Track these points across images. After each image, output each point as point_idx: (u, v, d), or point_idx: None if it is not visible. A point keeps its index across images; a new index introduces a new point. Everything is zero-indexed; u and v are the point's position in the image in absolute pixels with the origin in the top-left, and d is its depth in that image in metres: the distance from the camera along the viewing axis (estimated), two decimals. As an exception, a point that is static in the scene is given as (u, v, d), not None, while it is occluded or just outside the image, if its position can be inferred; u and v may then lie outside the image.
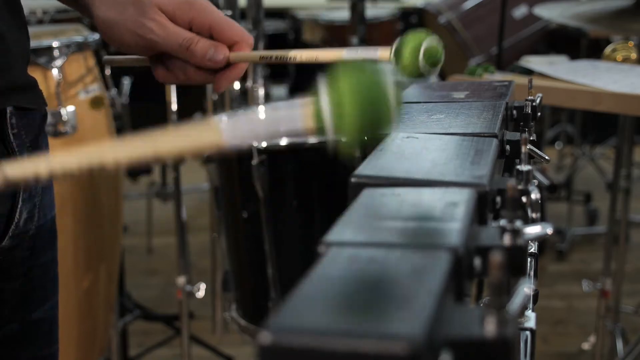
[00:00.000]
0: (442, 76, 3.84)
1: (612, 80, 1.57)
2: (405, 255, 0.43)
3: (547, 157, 0.76)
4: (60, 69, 1.74)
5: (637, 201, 3.38)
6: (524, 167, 0.63)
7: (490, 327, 0.37)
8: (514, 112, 0.84)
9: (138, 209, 3.71)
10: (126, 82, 2.46)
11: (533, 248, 0.70)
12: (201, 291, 2.07)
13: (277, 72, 4.26)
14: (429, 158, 0.61)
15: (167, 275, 3.23)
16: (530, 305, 0.63)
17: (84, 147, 0.50)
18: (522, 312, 0.41)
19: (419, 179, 0.57)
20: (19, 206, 0.86)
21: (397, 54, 0.71)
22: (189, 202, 3.67)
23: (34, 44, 1.72)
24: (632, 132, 2.24)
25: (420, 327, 0.33)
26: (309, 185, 1.70)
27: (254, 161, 1.64)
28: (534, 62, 1.77)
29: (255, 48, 2.15)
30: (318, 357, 0.33)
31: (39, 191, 0.90)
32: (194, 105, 3.20)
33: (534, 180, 0.64)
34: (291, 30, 4.48)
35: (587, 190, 3.81)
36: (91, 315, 1.90)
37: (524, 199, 0.60)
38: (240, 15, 2.17)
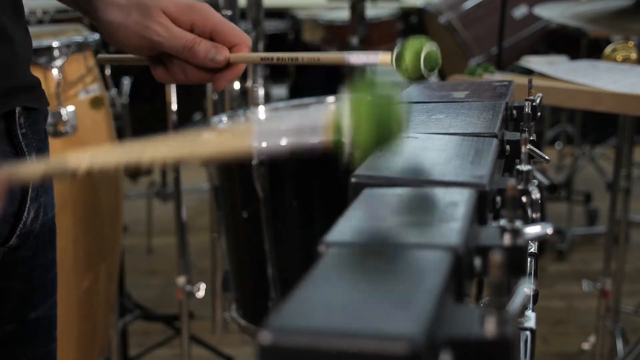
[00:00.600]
0: (442, 76, 3.84)
1: (612, 80, 1.57)
2: (405, 255, 0.43)
3: (547, 157, 0.76)
4: (60, 69, 1.74)
5: (637, 201, 3.38)
6: (524, 167, 0.63)
7: (490, 327, 0.37)
8: (514, 112, 0.84)
9: (138, 209, 3.71)
10: (126, 82, 2.46)
11: (533, 248, 0.70)
12: (201, 291, 2.07)
13: (277, 72, 4.26)
14: (429, 158, 0.61)
15: (167, 275, 3.23)
16: (530, 305, 0.63)
17: (124, 146, 0.54)
18: (522, 312, 0.41)
19: (419, 179, 0.57)
20: (27, 205, 0.87)
21: (399, 58, 0.73)
22: (189, 202, 3.67)
23: (34, 44, 1.72)
24: (632, 132, 2.23)
25: (420, 327, 0.33)
26: (309, 185, 1.70)
27: (254, 161, 1.64)
28: (534, 62, 1.77)
29: (255, 48, 2.15)
30: (318, 357, 0.33)
31: (43, 190, 0.91)
32: (194, 105, 3.20)
33: (534, 180, 0.64)
34: (291, 30, 4.48)
35: (587, 190, 3.81)
36: (91, 315, 1.90)
37: (524, 198, 0.60)
38: (240, 15, 2.17)
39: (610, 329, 2.26)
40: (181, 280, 2.05)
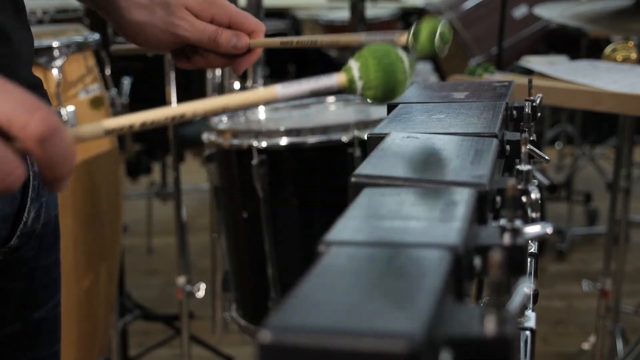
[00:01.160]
0: (442, 76, 3.84)
1: (612, 80, 1.57)
2: (405, 254, 0.43)
3: (547, 157, 0.76)
4: (60, 69, 1.74)
5: (637, 201, 3.38)
6: (524, 167, 0.63)
7: (490, 326, 0.37)
8: (514, 112, 0.84)
9: (138, 209, 3.71)
10: (126, 82, 2.46)
11: (533, 248, 0.70)
12: (201, 291, 2.07)
13: (277, 72, 4.26)
14: (429, 158, 0.61)
15: (167, 275, 3.23)
16: (530, 305, 0.63)
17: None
18: (522, 312, 0.41)
19: (419, 178, 0.57)
20: (28, 205, 0.87)
21: (416, 37, 0.79)
22: (189, 202, 3.67)
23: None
24: (632, 132, 2.24)
25: (420, 326, 0.33)
26: (309, 185, 1.70)
27: (254, 161, 1.64)
28: (534, 62, 1.77)
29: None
30: (318, 356, 0.33)
31: (45, 189, 0.90)
32: (194, 105, 3.20)
33: (534, 180, 0.64)
34: (291, 30, 4.48)
35: (587, 190, 3.81)
36: (91, 315, 1.90)
37: (524, 198, 0.60)
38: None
39: (610, 329, 2.26)
40: (181, 280, 2.05)
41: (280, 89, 0.61)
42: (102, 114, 1.90)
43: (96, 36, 1.91)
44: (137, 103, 2.57)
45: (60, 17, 2.64)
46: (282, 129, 1.67)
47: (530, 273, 0.67)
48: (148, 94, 2.65)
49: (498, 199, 0.58)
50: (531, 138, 0.78)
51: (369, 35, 0.85)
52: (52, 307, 0.96)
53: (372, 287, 0.38)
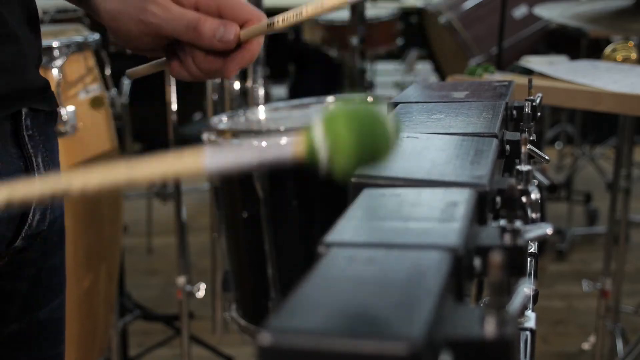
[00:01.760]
0: (442, 76, 3.84)
1: (612, 80, 1.57)
2: (405, 255, 0.43)
3: (547, 157, 0.76)
4: (60, 69, 1.74)
5: (637, 201, 3.38)
6: (524, 167, 0.63)
7: (490, 328, 0.37)
8: (514, 112, 0.84)
9: (138, 209, 3.72)
10: (126, 82, 2.46)
11: (533, 248, 0.70)
12: (201, 291, 2.07)
13: (277, 72, 4.26)
14: (429, 158, 0.61)
15: (167, 275, 3.23)
16: (530, 305, 0.63)
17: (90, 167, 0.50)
18: (522, 312, 0.41)
19: (419, 178, 0.57)
20: (33, 207, 0.86)
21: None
22: (189, 202, 3.67)
23: (34, 44, 1.72)
24: (632, 132, 2.24)
25: (420, 328, 0.33)
26: (309, 185, 1.69)
27: (254, 161, 1.63)
28: (534, 62, 1.77)
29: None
30: (318, 358, 0.33)
31: None
32: (194, 105, 3.20)
33: (534, 180, 0.64)
34: (291, 30, 4.48)
35: (587, 190, 3.81)
36: (91, 315, 1.90)
37: (524, 199, 0.60)
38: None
39: (610, 329, 2.26)
40: (181, 280, 2.05)
41: (208, 160, 0.47)
42: (102, 114, 1.90)
43: (96, 36, 1.91)
44: (137, 103, 2.58)
45: (60, 17, 2.64)
46: (282, 129, 1.67)
47: (530, 273, 0.67)
48: (148, 94, 2.65)
49: (498, 199, 0.58)
50: (531, 138, 0.78)
51: None
52: (56, 307, 0.95)
53: (372, 289, 0.38)
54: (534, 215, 0.61)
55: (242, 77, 2.17)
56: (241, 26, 0.78)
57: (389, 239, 0.46)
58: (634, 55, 1.78)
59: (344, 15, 3.82)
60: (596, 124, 4.03)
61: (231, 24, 0.77)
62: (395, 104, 0.82)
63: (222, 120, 1.87)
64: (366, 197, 0.54)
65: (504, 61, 2.60)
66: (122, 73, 1.03)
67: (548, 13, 2.11)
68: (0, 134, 0.82)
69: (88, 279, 1.86)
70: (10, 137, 0.83)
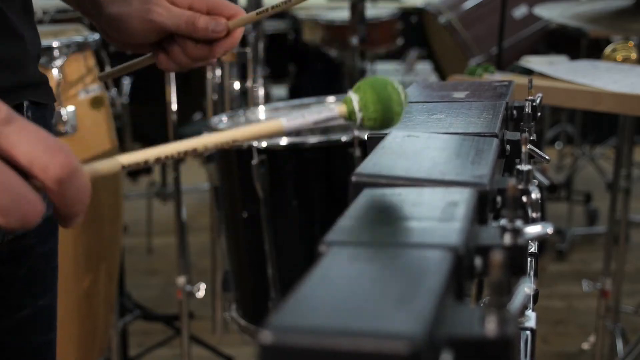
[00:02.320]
0: (442, 76, 3.84)
1: (612, 80, 1.57)
2: (406, 254, 0.43)
3: (547, 157, 0.76)
4: (60, 69, 1.74)
5: (637, 201, 3.38)
6: (524, 167, 0.63)
7: (490, 327, 0.37)
8: (514, 112, 0.84)
9: (138, 209, 3.71)
10: (126, 82, 2.47)
11: (533, 248, 0.70)
12: (201, 291, 2.07)
13: (277, 72, 4.26)
14: (429, 157, 0.61)
15: (167, 275, 3.23)
16: (531, 305, 0.63)
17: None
18: (522, 312, 0.41)
19: (419, 178, 0.57)
20: None
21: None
22: (189, 202, 3.67)
23: (34, 44, 1.72)
24: (632, 132, 2.24)
25: (421, 327, 0.33)
26: (309, 185, 1.70)
27: (254, 161, 1.64)
28: (534, 62, 1.77)
29: (255, 48, 2.15)
30: (319, 357, 0.33)
31: None
32: (194, 105, 3.20)
33: (534, 180, 0.64)
34: (291, 30, 4.48)
35: (587, 190, 3.81)
36: (91, 315, 1.90)
37: (524, 198, 0.60)
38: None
39: (610, 329, 2.26)
40: (181, 280, 2.05)
41: (285, 122, 0.62)
42: (102, 114, 1.89)
43: (96, 36, 1.91)
44: (137, 103, 2.58)
45: (60, 17, 2.64)
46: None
47: (531, 273, 0.67)
48: (148, 94, 2.65)
49: (498, 199, 0.58)
50: (531, 138, 0.78)
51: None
52: (51, 296, 0.98)
53: (373, 288, 0.38)
54: (534, 215, 0.61)
55: (242, 77, 2.17)
56: (228, 19, 0.95)
57: (389, 238, 0.46)
58: (634, 55, 1.78)
59: (344, 15, 3.82)
60: (596, 124, 4.03)
61: (219, 18, 0.94)
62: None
63: (222, 120, 1.87)
64: (366, 197, 0.54)
65: (504, 61, 2.60)
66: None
67: (548, 13, 2.11)
68: None
69: (88, 279, 1.86)
70: None
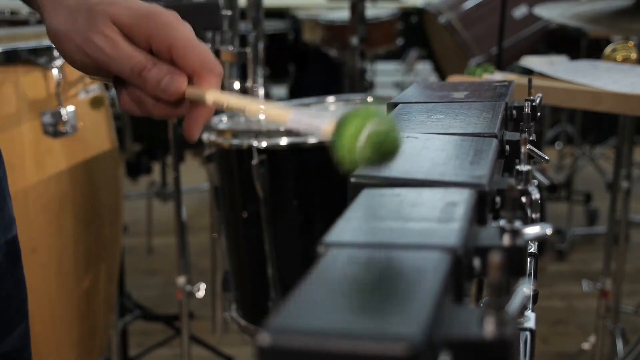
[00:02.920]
0: (442, 76, 3.84)
1: (612, 80, 1.57)
2: (405, 255, 0.43)
3: (547, 157, 0.76)
4: (60, 69, 1.74)
5: (637, 201, 3.38)
6: (524, 167, 0.63)
7: (489, 328, 0.37)
8: (514, 112, 0.84)
9: (138, 209, 3.71)
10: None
11: (533, 248, 0.70)
12: (201, 291, 2.07)
13: (277, 72, 4.26)
14: (428, 158, 0.61)
15: (167, 275, 3.23)
16: (530, 305, 0.63)
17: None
18: (521, 313, 0.41)
19: (419, 179, 0.56)
20: None
21: (338, 132, 0.57)
22: (189, 202, 3.67)
23: (34, 44, 1.72)
24: (632, 132, 2.23)
25: (420, 328, 0.33)
26: (309, 185, 1.69)
27: (254, 161, 1.63)
28: (534, 62, 1.77)
29: (255, 48, 2.15)
30: (318, 358, 0.33)
31: None
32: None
33: (534, 180, 0.64)
34: (291, 30, 4.48)
35: (587, 190, 3.81)
36: (91, 315, 1.90)
37: (523, 199, 0.60)
38: (240, 15, 2.17)
39: (610, 329, 2.26)
40: (181, 280, 2.05)
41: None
42: (102, 114, 1.89)
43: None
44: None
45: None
46: (282, 129, 1.67)
47: (530, 273, 0.67)
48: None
49: (498, 199, 0.58)
50: (531, 138, 0.78)
51: (296, 115, 0.63)
52: (18, 337, 0.87)
53: (372, 289, 0.38)
54: (533, 216, 0.61)
55: (242, 77, 2.17)
56: (192, 77, 0.70)
57: (388, 239, 0.46)
58: (634, 55, 1.78)
59: (344, 15, 3.82)
60: (596, 124, 4.03)
61: (178, 76, 0.69)
62: (395, 104, 0.82)
63: (222, 120, 1.87)
64: (366, 197, 0.54)
65: (504, 61, 2.60)
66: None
67: (548, 13, 2.11)
68: None
69: (88, 279, 1.86)
70: None
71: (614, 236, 2.27)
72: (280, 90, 4.78)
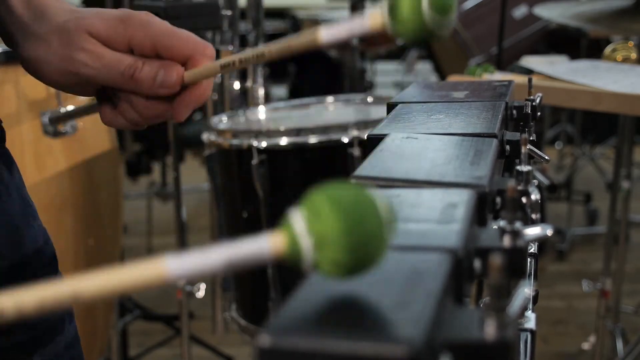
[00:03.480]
0: (442, 76, 3.84)
1: (612, 80, 1.57)
2: (405, 257, 0.42)
3: (547, 157, 0.76)
4: (60, 69, 1.74)
5: (637, 201, 3.38)
6: (524, 168, 0.63)
7: (490, 330, 0.37)
8: (514, 112, 0.83)
9: (138, 209, 3.71)
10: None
11: (533, 249, 0.70)
12: (201, 291, 2.07)
13: (277, 72, 4.26)
14: (428, 158, 0.61)
15: (167, 275, 3.22)
16: (530, 306, 0.63)
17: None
18: (522, 314, 0.41)
19: (419, 179, 0.56)
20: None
21: (393, 8, 0.52)
22: (189, 202, 3.67)
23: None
24: (632, 132, 2.23)
25: (420, 330, 0.33)
26: (309, 185, 1.69)
27: (254, 161, 1.63)
28: (534, 62, 1.77)
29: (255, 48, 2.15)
30: (317, 360, 0.33)
31: None
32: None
33: (534, 181, 0.64)
34: (291, 30, 4.48)
35: (587, 190, 3.81)
36: (91, 315, 1.90)
37: (523, 199, 0.60)
38: (240, 15, 2.17)
39: (610, 329, 2.26)
40: (181, 280, 2.05)
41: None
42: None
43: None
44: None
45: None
46: (282, 128, 1.67)
47: (530, 274, 0.67)
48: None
49: (498, 200, 0.58)
50: (531, 138, 0.78)
51: (327, 29, 0.58)
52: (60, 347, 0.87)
53: (371, 291, 0.38)
54: (534, 216, 0.61)
55: (242, 77, 2.17)
56: (185, 64, 0.69)
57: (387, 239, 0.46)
58: (634, 55, 1.78)
59: (344, 15, 3.82)
60: (596, 124, 4.03)
61: (171, 66, 0.68)
62: (395, 104, 0.82)
63: (222, 120, 1.86)
64: (366, 198, 0.53)
65: (504, 61, 2.60)
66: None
67: (548, 13, 2.11)
68: None
69: (88, 279, 1.86)
70: None
71: (614, 236, 2.27)
72: (280, 90, 4.78)
